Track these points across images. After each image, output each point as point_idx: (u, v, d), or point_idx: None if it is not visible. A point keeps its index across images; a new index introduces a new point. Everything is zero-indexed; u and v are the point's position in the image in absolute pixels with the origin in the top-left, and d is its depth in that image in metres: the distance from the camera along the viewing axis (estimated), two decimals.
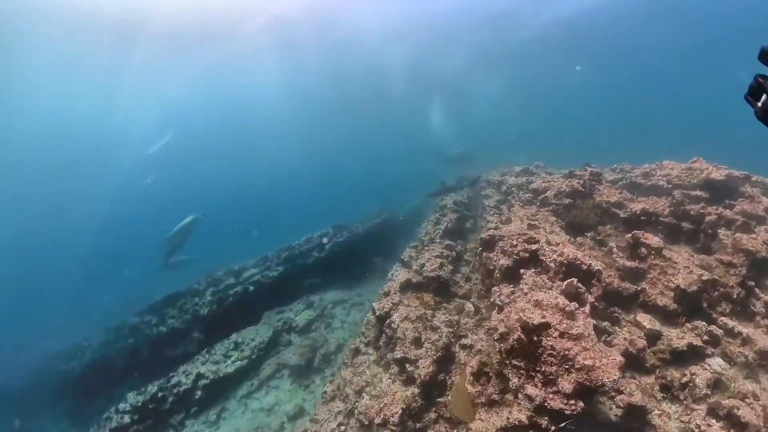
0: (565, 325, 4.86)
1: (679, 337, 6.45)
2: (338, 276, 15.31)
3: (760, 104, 1.57)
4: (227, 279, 14.02)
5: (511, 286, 6.66)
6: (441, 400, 6.14)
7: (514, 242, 6.74)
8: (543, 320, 4.94)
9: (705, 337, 6.46)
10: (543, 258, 6.53)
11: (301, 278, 14.55)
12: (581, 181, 9.73)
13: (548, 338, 4.74)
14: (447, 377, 6.47)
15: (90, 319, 19.21)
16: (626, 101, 56.28)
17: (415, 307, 7.77)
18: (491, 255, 7.47)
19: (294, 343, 12.57)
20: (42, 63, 27.59)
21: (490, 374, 5.44)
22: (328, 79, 38.02)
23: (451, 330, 7.19)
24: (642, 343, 6.28)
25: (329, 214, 24.04)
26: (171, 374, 11.42)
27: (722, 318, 6.78)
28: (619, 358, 4.91)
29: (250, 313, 13.26)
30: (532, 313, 5.10)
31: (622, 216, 8.64)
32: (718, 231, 8.16)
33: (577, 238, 8.71)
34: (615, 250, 7.70)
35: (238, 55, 31.04)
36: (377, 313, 7.55)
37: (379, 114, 53.19)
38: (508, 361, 4.98)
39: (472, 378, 5.44)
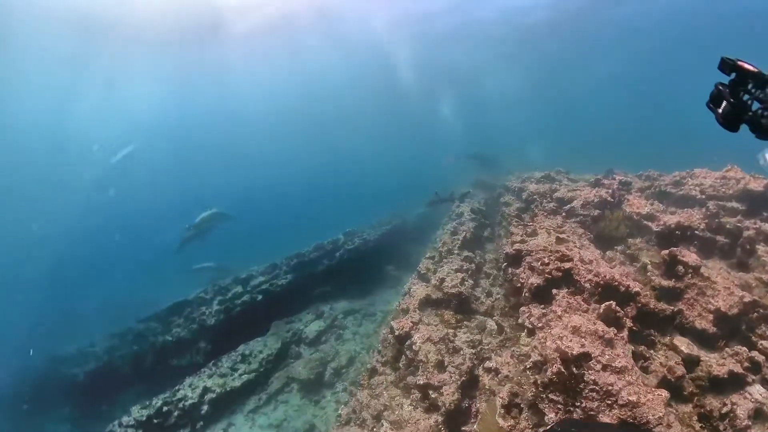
0: (607, 356, 4.60)
1: (719, 363, 6.14)
2: (349, 284, 15.11)
3: (720, 111, 1.68)
4: (234, 287, 13.85)
5: (542, 306, 6.40)
6: (466, 429, 5.90)
7: (546, 260, 6.47)
8: (583, 350, 4.68)
9: (746, 364, 6.16)
10: (577, 278, 6.26)
11: (310, 287, 14.36)
12: (609, 191, 9.44)
13: (590, 371, 4.49)
14: (471, 404, 6.23)
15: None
16: (643, 101, 55.42)
17: (435, 325, 7.53)
18: (518, 271, 7.21)
19: (304, 356, 12.38)
20: None
21: (522, 406, 5.19)
22: (337, 80, 37.58)
23: (473, 351, 6.95)
24: (681, 370, 5.98)
25: (339, 219, 23.90)
26: (176, 387, 11.26)
27: (762, 342, 6.48)
28: (665, 394, 4.66)
29: (259, 323, 13.08)
30: (571, 341, 4.84)
31: (654, 229, 8.33)
32: (757, 247, 7.85)
33: (607, 252, 8.43)
34: (650, 267, 7.40)
35: (239, 55, 30.56)
36: (396, 333, 7.31)
37: (389, 114, 52.60)
38: (544, 395, 4.72)
39: (503, 411, 5.19)
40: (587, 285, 6.18)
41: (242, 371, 11.37)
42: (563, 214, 9.39)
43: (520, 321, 6.51)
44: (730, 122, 1.69)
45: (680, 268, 6.98)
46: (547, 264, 6.42)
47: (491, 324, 7.85)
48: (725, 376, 5.92)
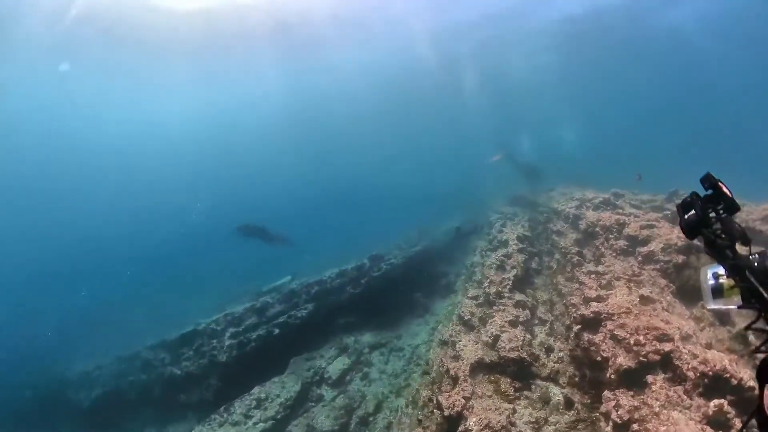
0: None
1: None
2: (374, 313, 14.25)
3: (686, 216, 1.88)
4: (249, 317, 13.11)
5: (632, 394, 5.43)
6: None
7: (641, 338, 5.48)
8: None
9: None
10: (678, 363, 5.27)
11: (333, 317, 13.54)
12: None
13: None
14: None
15: None
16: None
17: (490, 397, 6.60)
18: (597, 340, 6.23)
19: (326, 398, 11.58)
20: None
21: None
22: (366, 79, 36.55)
23: None
24: None
25: (362, 235, 23.17)
26: None
27: None
28: None
29: (275, 360, 12.31)
30: None
31: None
32: None
33: (693, 311, 7.36)
34: (752, 339, 6.33)
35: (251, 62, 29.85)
36: (446, 413, 6.40)
37: (419, 119, 51.49)
38: None
39: None
40: (691, 374, 5.18)
41: (257, 419, 10.60)
42: (639, 258, 8.32)
43: (604, 410, 5.54)
44: (690, 230, 1.85)
45: None
46: (643, 344, 5.43)
47: (557, 394, 6.89)
48: None
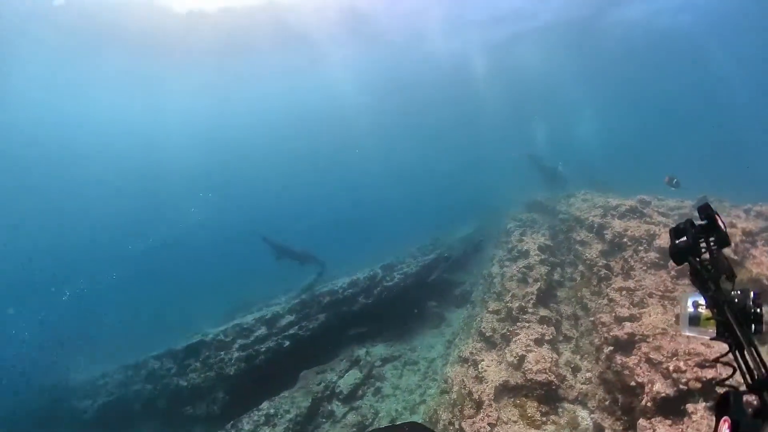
0: None
1: None
2: (387, 324, 14.07)
3: (677, 242, 1.92)
4: (258, 328, 12.96)
5: (669, 423, 5.18)
6: None
7: (681, 364, 5.22)
8: None
9: None
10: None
11: (344, 328, 13.36)
12: (732, 245, 8.04)
13: None
14: None
15: None
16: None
17: (516, 423, 6.38)
18: (630, 363, 5.98)
19: (336, 414, 11.41)
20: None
21: None
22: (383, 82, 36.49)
23: None
24: None
25: (374, 244, 23.01)
26: None
27: None
28: None
29: (285, 372, 12.16)
30: None
31: None
32: None
33: None
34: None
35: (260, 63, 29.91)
36: None
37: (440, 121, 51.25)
38: None
39: None
40: None
41: None
42: (672, 273, 8.04)
43: None
44: (679, 256, 1.91)
45: None
46: (683, 371, 5.16)
47: (585, 419, 6.67)
48: None
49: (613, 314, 7.08)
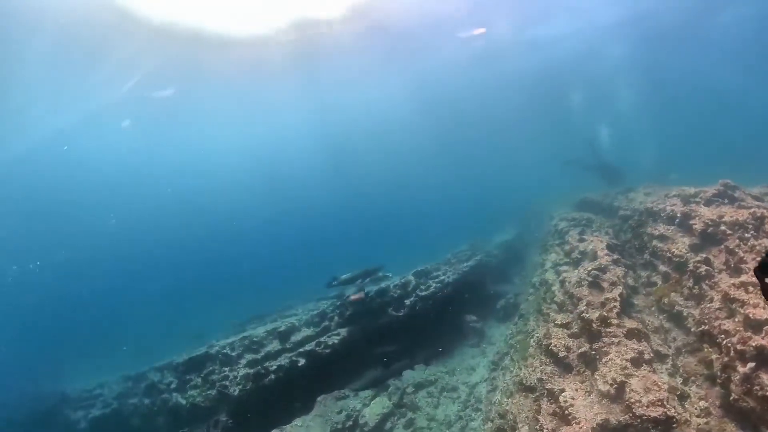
0: None
1: None
2: (420, 341, 12.14)
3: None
4: (270, 342, 11.17)
5: None
6: None
7: None
8: None
9: None
10: None
11: (370, 345, 11.47)
12: None
13: None
14: None
15: None
16: None
17: None
18: None
19: None
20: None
21: None
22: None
23: None
24: None
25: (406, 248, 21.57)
26: None
27: None
28: None
29: (299, 396, 10.32)
30: None
31: None
32: None
33: None
34: None
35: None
36: None
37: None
38: None
39: None
40: None
41: None
42: None
43: None
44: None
45: None
46: None
47: None
48: None
49: (742, 318, 5.06)
